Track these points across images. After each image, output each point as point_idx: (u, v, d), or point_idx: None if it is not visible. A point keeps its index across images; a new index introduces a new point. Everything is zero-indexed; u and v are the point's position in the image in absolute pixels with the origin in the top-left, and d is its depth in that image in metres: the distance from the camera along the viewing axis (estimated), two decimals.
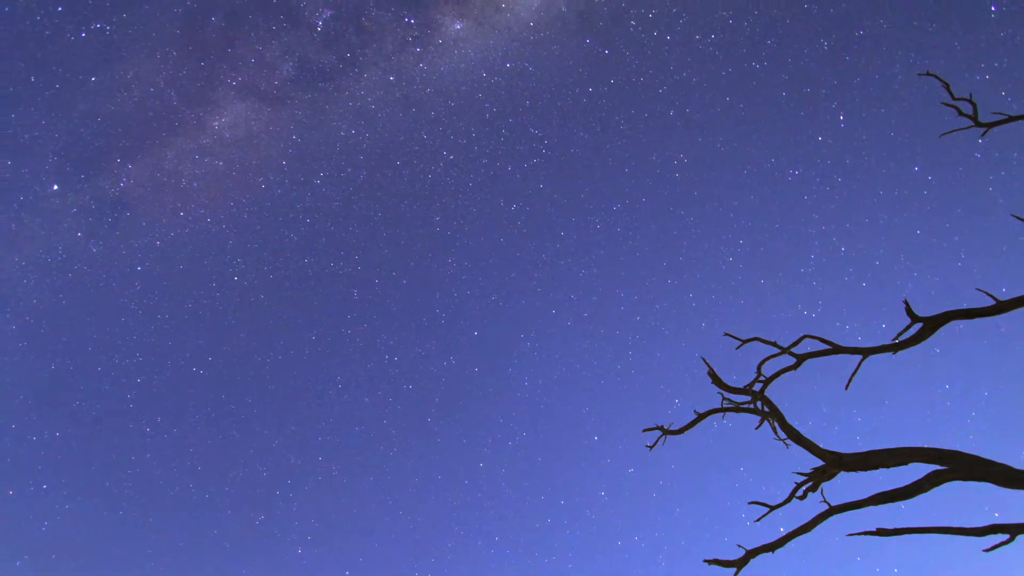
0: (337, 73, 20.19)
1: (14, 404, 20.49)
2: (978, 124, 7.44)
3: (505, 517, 23.09)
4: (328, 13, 19.41)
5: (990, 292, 6.90)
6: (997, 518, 6.54)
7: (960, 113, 7.47)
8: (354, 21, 19.75)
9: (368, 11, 19.63)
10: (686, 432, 7.84)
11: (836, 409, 21.50)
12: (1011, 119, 7.36)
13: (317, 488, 22.68)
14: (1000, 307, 6.83)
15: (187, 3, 18.18)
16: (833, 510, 6.79)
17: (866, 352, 7.42)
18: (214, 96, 19.56)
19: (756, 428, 7.51)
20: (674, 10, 20.92)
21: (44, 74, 17.55)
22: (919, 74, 7.91)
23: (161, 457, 22.08)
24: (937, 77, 7.52)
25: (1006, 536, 6.41)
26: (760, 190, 22.18)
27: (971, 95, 7.47)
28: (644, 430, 8.07)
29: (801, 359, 7.62)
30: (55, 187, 18.81)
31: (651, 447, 7.92)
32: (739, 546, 7.00)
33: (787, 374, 7.69)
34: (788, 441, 7.26)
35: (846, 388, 7.46)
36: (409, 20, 19.84)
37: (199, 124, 19.60)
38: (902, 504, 6.65)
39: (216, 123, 19.68)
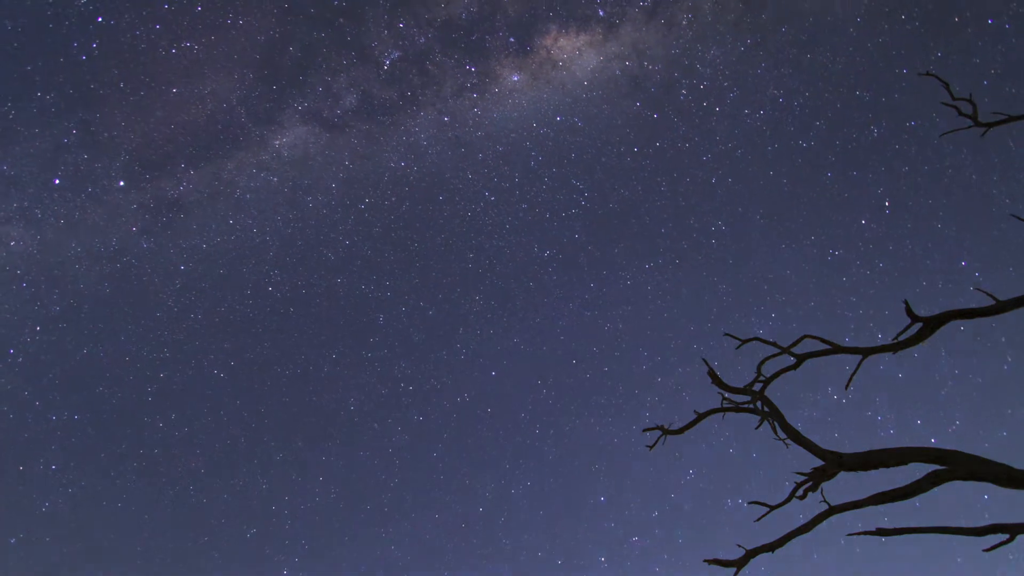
0: (396, 109, 21.73)
1: (42, 382, 21.23)
2: (978, 124, 7.43)
3: (499, 569, 22.67)
4: (396, 54, 21.13)
5: (990, 292, 6.90)
6: (997, 518, 6.53)
7: (960, 113, 7.47)
8: (418, 64, 21.35)
9: (433, 56, 21.25)
10: (685, 432, 7.83)
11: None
12: (1011, 119, 7.36)
13: (313, 509, 22.62)
14: (1000, 307, 6.83)
15: (270, 32, 19.98)
16: (833, 510, 6.78)
17: (866, 352, 7.42)
18: (280, 117, 21.26)
19: (756, 428, 7.50)
20: (725, 84, 21.65)
21: (132, 82, 19.33)
22: (919, 73, 7.91)
23: (168, 455, 22.30)
24: (937, 77, 7.53)
25: (1006, 536, 6.41)
26: (798, 267, 22.22)
27: (971, 95, 7.47)
28: (644, 430, 8.06)
29: (801, 359, 7.61)
30: (121, 183, 20.56)
31: (651, 447, 7.92)
32: (739, 546, 6.99)
33: (787, 374, 7.69)
34: (788, 441, 7.25)
35: (846, 388, 7.46)
36: (470, 68, 21.42)
37: (261, 141, 21.33)
38: (902, 504, 6.65)
39: (277, 142, 21.37)
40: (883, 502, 6.69)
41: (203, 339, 22.09)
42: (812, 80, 21.41)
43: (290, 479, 22.72)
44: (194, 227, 21.53)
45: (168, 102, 20.11)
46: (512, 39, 21.46)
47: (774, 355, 7.68)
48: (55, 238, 20.70)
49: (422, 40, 21.15)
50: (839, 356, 7.55)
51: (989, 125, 7.44)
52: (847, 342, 7.25)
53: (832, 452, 6.95)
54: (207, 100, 20.41)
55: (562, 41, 21.58)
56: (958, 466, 6.51)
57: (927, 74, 7.77)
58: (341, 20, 20.32)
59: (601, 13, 21.34)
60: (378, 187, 22.09)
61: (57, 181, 20.02)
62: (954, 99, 7.43)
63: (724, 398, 7.57)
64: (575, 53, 21.66)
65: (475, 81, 21.61)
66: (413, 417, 23.20)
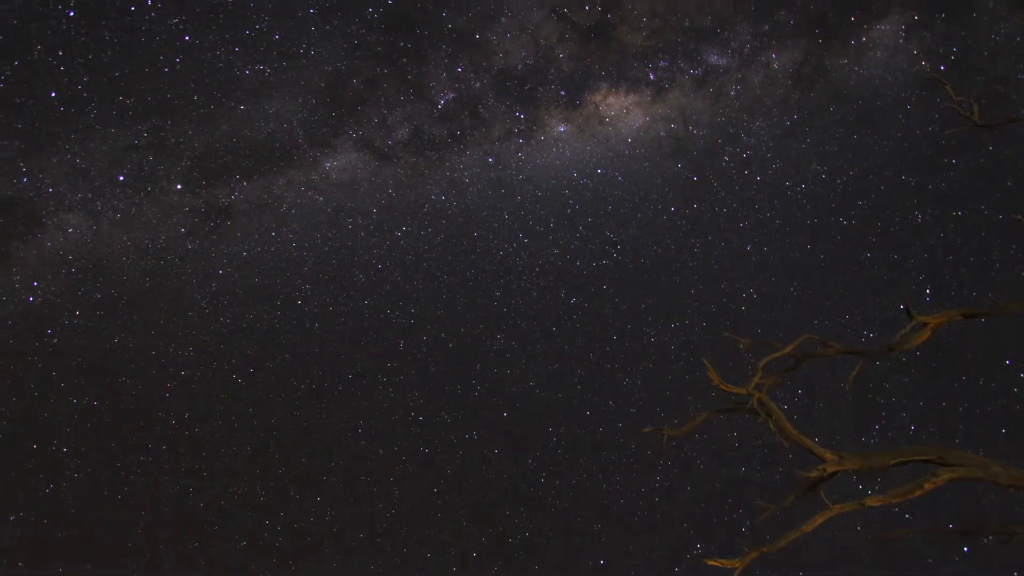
0: (444, 146, 23.02)
1: (70, 365, 21.81)
2: (978, 125, 7.45)
3: None
4: (451, 95, 22.67)
5: (990, 292, 6.91)
6: (996, 517, 6.55)
7: (960, 113, 7.48)
8: (471, 106, 22.80)
9: (486, 101, 22.73)
10: (686, 432, 7.84)
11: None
12: (1011, 120, 7.38)
13: (306, 529, 22.49)
14: (1000, 307, 6.84)
15: (337, 64, 21.62)
16: (833, 510, 6.79)
17: (865, 353, 7.43)
18: (334, 142, 22.72)
19: (757, 428, 7.51)
20: (769, 155, 22.03)
21: (206, 96, 21.06)
22: (927, 75, 7.92)
23: (174, 453, 22.41)
24: (940, 80, 7.55)
25: (1006, 536, 6.43)
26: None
27: (970, 97, 7.48)
28: (644, 430, 8.07)
29: (801, 359, 7.62)
30: (179, 186, 22.18)
31: (652, 453, 7.92)
32: (739, 546, 7.00)
33: (787, 374, 7.70)
34: (788, 441, 7.25)
35: (847, 389, 7.47)
36: (519, 115, 22.71)
37: (313, 162, 22.80)
38: (902, 504, 6.66)
39: (328, 164, 22.83)
40: (883, 502, 6.70)
41: (228, 343, 22.62)
42: (857, 160, 21.53)
43: (288, 495, 22.65)
44: (238, 235, 22.62)
45: (234, 117, 21.67)
46: (563, 92, 22.59)
47: (774, 356, 7.68)
48: (109, 230, 21.97)
49: (477, 85, 22.52)
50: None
51: (989, 126, 7.45)
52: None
53: (832, 452, 6.96)
54: (270, 119, 21.89)
55: (611, 99, 22.50)
56: (958, 466, 6.52)
57: (932, 77, 7.78)
58: (404, 60, 21.72)
59: (652, 77, 22.33)
60: (417, 217, 22.91)
61: (121, 178, 21.55)
62: (955, 99, 7.45)
63: (724, 399, 7.58)
64: (622, 111, 22.54)
65: (523, 127, 22.71)
66: (419, 448, 23.10)
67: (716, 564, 7.02)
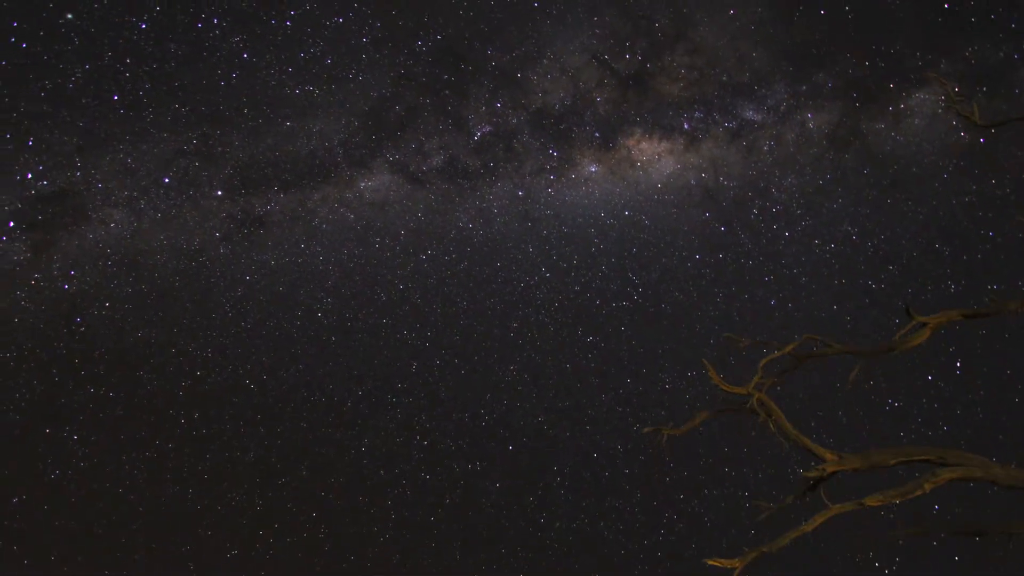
0: (476, 176, 23.75)
1: (93, 353, 22.31)
2: (978, 124, 7.46)
3: None
4: (488, 129, 23.51)
5: (990, 292, 6.91)
6: (997, 518, 6.55)
7: (959, 113, 7.49)
8: (506, 141, 23.52)
9: (521, 137, 23.40)
10: (686, 432, 7.84)
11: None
12: (1011, 119, 7.39)
13: (298, 544, 22.39)
14: (998, 306, 6.85)
15: (382, 90, 22.66)
16: (833, 510, 6.79)
17: (865, 353, 7.44)
18: (372, 163, 23.68)
19: (755, 428, 7.51)
20: (798, 212, 21.97)
21: (255, 110, 22.23)
22: (929, 74, 7.93)
23: (179, 452, 22.51)
24: (940, 79, 7.56)
25: (1005, 536, 6.42)
26: (850, 410, 21.53)
27: (971, 96, 7.50)
28: (644, 430, 8.07)
29: (801, 359, 7.63)
30: (219, 193, 23.28)
31: (653, 452, 7.93)
32: (740, 546, 7.00)
33: (787, 374, 7.70)
34: (788, 441, 7.26)
35: (847, 388, 7.48)
36: (553, 152, 23.39)
37: (349, 181, 23.77)
38: (902, 504, 6.66)
39: (363, 184, 23.82)
40: (883, 502, 6.70)
41: (245, 347, 22.95)
42: (890, 224, 21.38)
43: (285, 507, 22.54)
44: (269, 244, 23.26)
45: (279, 132, 22.68)
46: (597, 134, 23.04)
47: (774, 356, 7.70)
48: (148, 228, 22.86)
49: (514, 120, 23.27)
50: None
51: (989, 126, 7.47)
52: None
53: (832, 452, 6.96)
54: (313, 137, 22.83)
55: (644, 144, 22.89)
56: (958, 466, 6.52)
57: (932, 75, 7.79)
58: (447, 92, 22.50)
59: (686, 126, 22.71)
60: (443, 242, 23.27)
61: (167, 180, 22.72)
62: (955, 100, 7.47)
63: (724, 398, 7.59)
64: (654, 157, 22.90)
65: (555, 165, 23.26)
66: (420, 475, 22.96)
67: (716, 564, 7.02)
